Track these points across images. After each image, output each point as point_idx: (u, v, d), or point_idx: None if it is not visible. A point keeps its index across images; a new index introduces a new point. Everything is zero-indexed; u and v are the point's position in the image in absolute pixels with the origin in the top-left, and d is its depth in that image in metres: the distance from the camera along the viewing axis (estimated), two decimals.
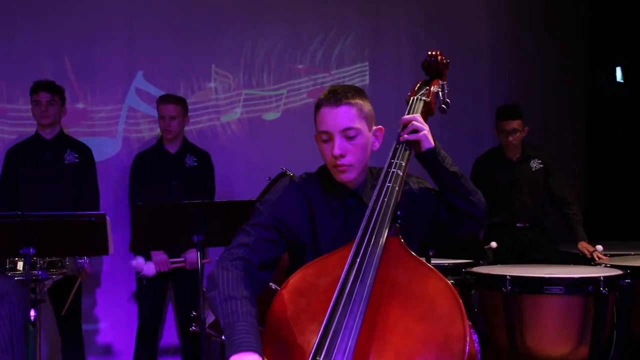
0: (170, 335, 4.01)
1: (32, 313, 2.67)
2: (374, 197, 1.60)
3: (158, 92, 3.94)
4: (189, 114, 4.10)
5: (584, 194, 5.10)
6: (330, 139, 1.65)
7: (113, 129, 4.01)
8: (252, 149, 4.27)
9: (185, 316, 3.32)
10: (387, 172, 1.65)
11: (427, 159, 1.72)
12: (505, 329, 2.68)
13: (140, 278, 3.43)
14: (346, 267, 1.46)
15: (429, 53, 1.95)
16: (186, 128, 4.08)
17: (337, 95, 1.64)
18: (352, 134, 1.63)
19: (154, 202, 3.45)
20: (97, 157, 3.86)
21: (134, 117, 4.06)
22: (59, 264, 2.63)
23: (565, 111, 5.16)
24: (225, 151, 4.19)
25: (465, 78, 4.58)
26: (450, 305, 1.39)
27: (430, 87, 1.89)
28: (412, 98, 1.85)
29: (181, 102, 3.63)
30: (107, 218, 2.37)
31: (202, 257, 2.44)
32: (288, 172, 3.31)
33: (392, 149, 1.70)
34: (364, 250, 1.48)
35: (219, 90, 4.26)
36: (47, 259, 2.58)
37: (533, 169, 3.78)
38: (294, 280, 1.55)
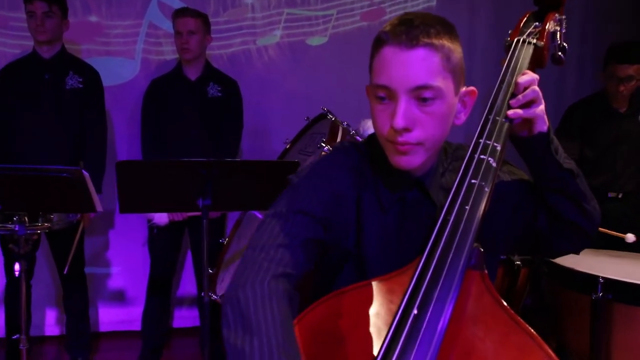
0: (188, 285, 3.62)
1: (17, 267, 2.29)
2: (448, 201, 1.00)
3: None
4: (220, 35, 3.51)
5: None
6: (391, 98, 1.04)
7: (131, 49, 3.45)
8: (291, 79, 3.66)
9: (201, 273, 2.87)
10: (471, 159, 1.04)
11: (534, 146, 1.10)
12: (588, 339, 2.09)
13: (152, 226, 2.98)
14: (394, 325, 0.89)
15: None
16: (216, 51, 3.51)
17: (413, 30, 1.01)
18: (429, 95, 1.02)
19: (162, 153, 2.94)
20: (112, 81, 3.37)
21: (154, 35, 3.48)
22: (42, 218, 2.17)
23: None
24: (259, 80, 3.61)
25: None
26: None
27: (545, 22, 1.24)
28: (515, 40, 1.21)
29: (202, 17, 3.00)
30: (85, 173, 1.85)
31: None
32: (329, 115, 2.72)
33: (481, 123, 1.08)
34: (424, 295, 0.91)
35: (257, 8, 3.61)
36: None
37: None
38: (308, 318, 0.99)
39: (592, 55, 3.43)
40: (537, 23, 1.27)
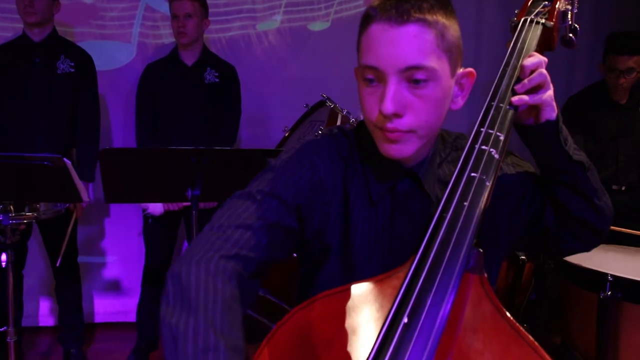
0: None
1: (3, 258, 2.22)
2: (445, 196, 0.91)
3: None
4: (219, 17, 3.40)
5: None
6: (380, 80, 0.94)
7: (127, 32, 3.35)
8: (292, 66, 3.56)
9: None
10: (471, 150, 0.94)
11: (541, 136, 1.01)
12: (594, 338, 2.01)
13: (146, 216, 2.90)
14: (382, 334, 0.80)
15: None
16: (214, 35, 3.40)
17: (403, 4, 0.91)
18: (422, 76, 0.92)
19: (157, 141, 2.84)
20: (108, 65, 3.28)
21: (152, 18, 3.38)
22: (29, 207, 2.09)
23: None
24: (259, 66, 3.51)
25: None
26: None
27: (554, 2, 1.14)
28: (522, 19, 1.11)
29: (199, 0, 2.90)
30: (66, 161, 1.76)
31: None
32: (328, 102, 2.63)
33: (484, 110, 0.98)
34: (416, 300, 0.81)
35: None
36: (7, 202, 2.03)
37: None
38: (289, 324, 0.91)
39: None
40: (546, 2, 1.17)
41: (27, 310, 3.11)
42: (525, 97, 0.97)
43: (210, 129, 2.95)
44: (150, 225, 2.91)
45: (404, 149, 0.96)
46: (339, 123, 2.37)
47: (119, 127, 3.38)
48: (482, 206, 0.89)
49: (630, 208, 2.99)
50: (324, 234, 1.04)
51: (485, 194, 0.90)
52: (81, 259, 3.05)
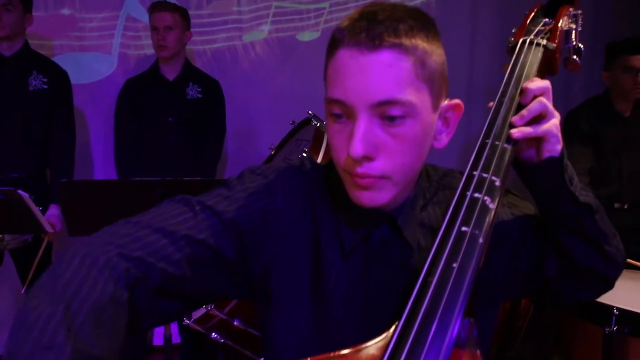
0: None
1: None
2: (431, 256, 0.76)
3: None
4: (204, 29, 3.26)
5: None
6: (348, 116, 0.80)
7: (107, 43, 3.21)
8: (280, 78, 3.42)
9: None
10: (462, 199, 0.80)
11: (543, 175, 0.86)
12: None
13: None
14: None
15: None
16: (199, 47, 3.27)
17: (376, 27, 0.76)
18: (397, 112, 0.77)
19: (137, 160, 2.69)
20: (88, 78, 3.14)
21: (133, 28, 3.24)
22: None
23: None
24: (245, 79, 3.37)
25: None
26: None
27: (558, 18, 1.01)
28: (521, 40, 0.97)
29: (180, 11, 2.77)
30: (23, 194, 1.62)
31: None
32: (314, 121, 2.48)
33: (477, 149, 0.84)
34: None
35: (243, 1, 3.37)
36: None
37: None
38: None
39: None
40: (547, 20, 1.04)
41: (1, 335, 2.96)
42: (527, 129, 0.83)
43: (193, 147, 2.81)
44: None
45: (377, 197, 0.81)
46: (324, 143, 2.23)
47: (99, 142, 3.24)
48: (475, 268, 0.75)
49: (633, 228, 2.85)
50: (269, 277, 0.88)
51: (478, 254, 0.76)
52: None
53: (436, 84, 0.80)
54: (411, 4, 3.47)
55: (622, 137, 2.81)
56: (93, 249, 0.76)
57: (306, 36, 3.50)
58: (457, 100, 0.86)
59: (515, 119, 0.84)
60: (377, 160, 0.79)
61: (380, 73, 0.75)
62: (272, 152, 2.66)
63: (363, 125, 0.77)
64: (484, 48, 3.58)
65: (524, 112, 0.84)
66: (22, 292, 2.54)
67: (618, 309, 1.78)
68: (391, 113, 0.76)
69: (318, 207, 0.90)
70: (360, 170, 0.79)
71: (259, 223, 0.86)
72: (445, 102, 0.85)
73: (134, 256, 0.77)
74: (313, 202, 0.90)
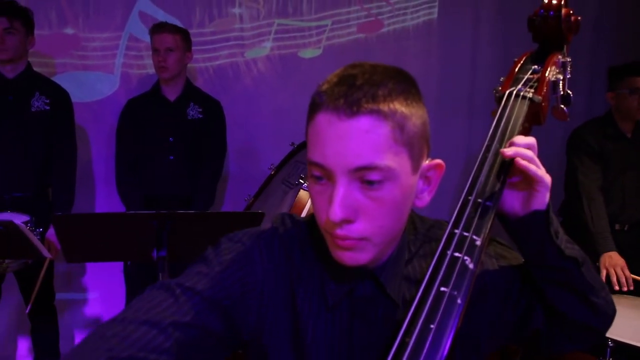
0: None
1: None
2: (409, 315, 0.77)
3: (167, 18, 3.12)
4: (206, 47, 3.29)
5: None
6: (328, 179, 0.81)
7: (110, 62, 3.24)
8: (282, 95, 3.44)
9: None
10: (442, 257, 0.80)
11: (528, 229, 0.87)
12: None
13: None
14: None
15: (544, 1, 1.06)
16: (201, 64, 3.30)
17: (354, 92, 0.77)
18: (375, 177, 0.78)
19: (138, 180, 2.73)
20: (90, 97, 3.18)
21: (136, 48, 3.27)
22: None
23: None
24: (247, 96, 3.39)
25: None
26: None
27: (545, 69, 1.01)
28: (507, 92, 0.97)
29: (181, 32, 2.79)
30: (19, 224, 1.64)
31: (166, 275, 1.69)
32: None
33: (459, 206, 0.85)
34: None
35: (245, 19, 3.39)
36: None
37: None
38: None
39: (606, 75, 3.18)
40: (536, 67, 1.04)
41: (4, 350, 2.98)
42: (522, 149, 0.83)
43: (194, 167, 2.83)
44: (129, 265, 2.78)
45: (358, 257, 0.82)
46: None
47: (101, 160, 3.26)
48: (453, 329, 0.75)
49: (633, 249, 2.85)
50: (261, 335, 0.90)
51: (457, 314, 0.76)
52: (61, 295, 2.93)
53: (416, 147, 0.81)
54: (414, 22, 3.50)
55: (624, 157, 2.83)
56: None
57: (308, 53, 3.52)
58: (438, 160, 0.86)
59: (505, 173, 0.85)
60: (357, 223, 0.79)
61: (358, 139, 0.76)
62: (272, 172, 2.68)
63: (342, 189, 0.78)
64: (485, 62, 3.58)
65: (514, 169, 0.85)
66: (27, 312, 2.56)
67: (613, 340, 1.77)
68: (370, 178, 0.77)
69: (299, 266, 0.91)
70: (340, 232, 0.80)
71: (238, 295, 0.87)
72: (427, 162, 0.85)
73: (124, 356, 0.77)
74: (293, 264, 0.91)
